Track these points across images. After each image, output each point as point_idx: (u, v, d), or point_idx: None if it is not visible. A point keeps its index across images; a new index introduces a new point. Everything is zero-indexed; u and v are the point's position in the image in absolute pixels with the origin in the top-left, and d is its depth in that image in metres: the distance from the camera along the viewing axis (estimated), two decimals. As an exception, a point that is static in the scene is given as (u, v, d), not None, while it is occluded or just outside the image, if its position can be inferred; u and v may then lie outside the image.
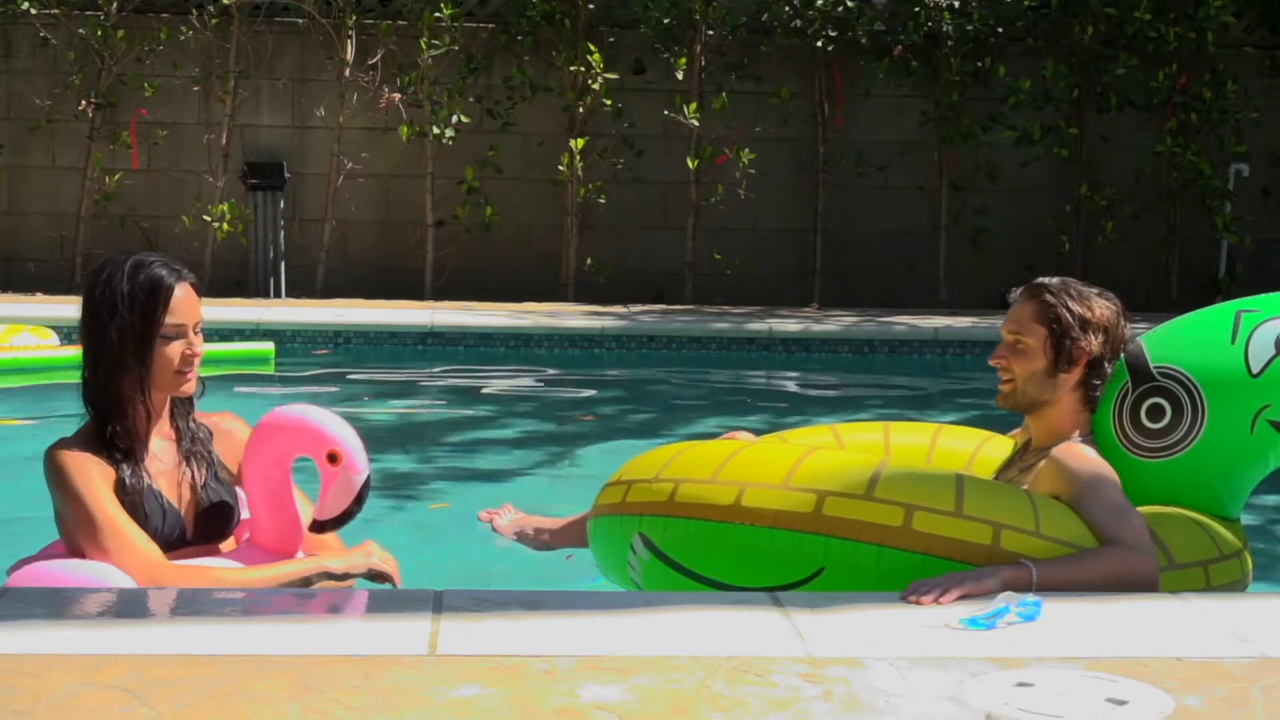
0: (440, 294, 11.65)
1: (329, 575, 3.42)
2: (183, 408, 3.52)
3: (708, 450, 3.79)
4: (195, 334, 3.41)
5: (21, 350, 8.54)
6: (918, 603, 3.20)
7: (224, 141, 11.61)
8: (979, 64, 11.81)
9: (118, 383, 3.37)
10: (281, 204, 11.63)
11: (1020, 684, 2.74)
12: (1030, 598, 3.14)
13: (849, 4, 11.64)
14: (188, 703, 2.57)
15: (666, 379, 9.40)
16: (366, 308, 10.65)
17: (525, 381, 9.04)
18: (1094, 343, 3.79)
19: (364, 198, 11.89)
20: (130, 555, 3.27)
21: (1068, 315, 3.78)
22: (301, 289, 11.61)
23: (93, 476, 3.32)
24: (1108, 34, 11.78)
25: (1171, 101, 11.84)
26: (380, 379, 8.98)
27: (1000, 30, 11.84)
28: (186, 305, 3.39)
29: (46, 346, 8.65)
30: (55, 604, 3.12)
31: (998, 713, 2.60)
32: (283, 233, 11.64)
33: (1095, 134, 12.09)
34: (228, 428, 3.62)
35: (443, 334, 10.05)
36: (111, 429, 3.37)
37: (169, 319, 3.36)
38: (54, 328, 8.97)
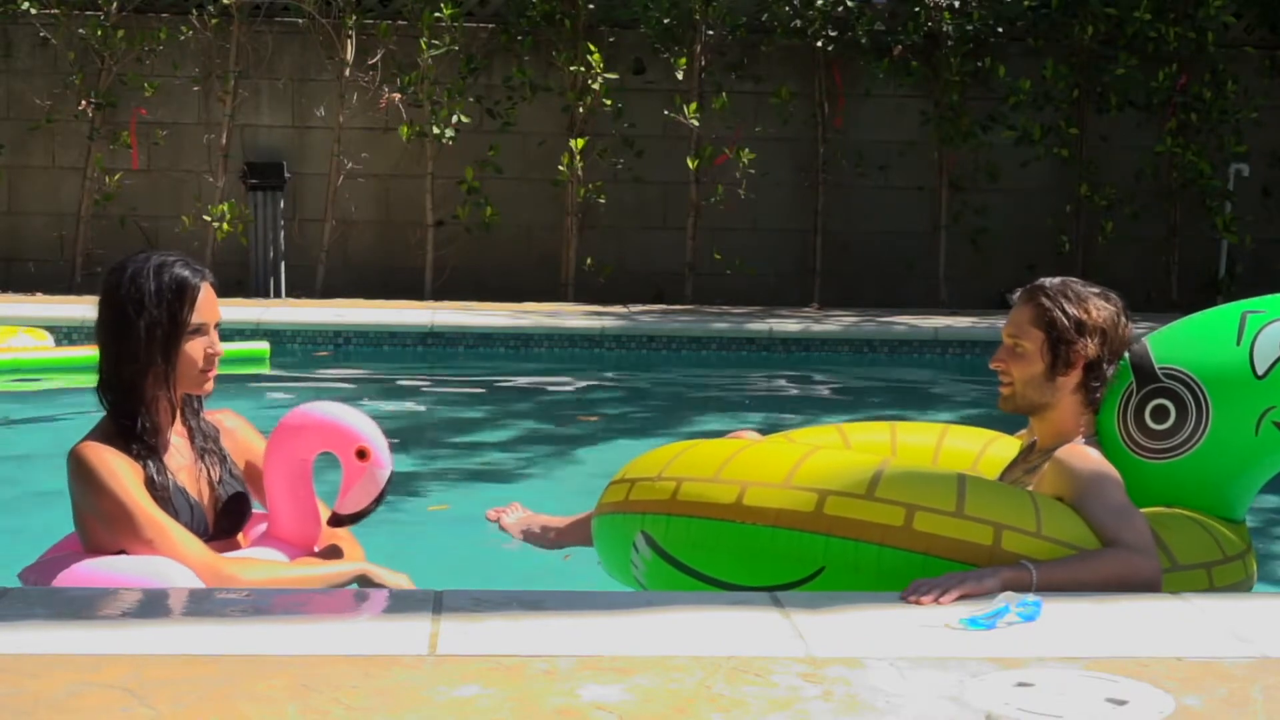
0: (440, 294, 11.65)
1: (369, 582, 3.48)
2: (192, 406, 3.56)
3: (710, 449, 3.80)
4: (214, 332, 3.45)
5: (18, 352, 8.52)
6: (918, 602, 3.20)
7: (224, 141, 11.60)
8: (979, 64, 11.80)
9: (143, 380, 3.40)
10: (281, 204, 11.63)
11: (1020, 684, 2.73)
12: (1030, 598, 3.13)
13: (849, 4, 11.63)
14: (188, 703, 2.57)
15: (666, 379, 9.39)
16: (366, 308, 10.64)
17: (525, 382, 9.03)
18: (1091, 346, 3.78)
19: (364, 198, 11.89)
20: (184, 551, 3.29)
21: (1063, 319, 3.76)
22: (301, 289, 11.61)
23: (126, 474, 3.34)
24: (1108, 34, 11.78)
25: (1171, 101, 11.83)
26: (380, 379, 8.97)
27: (1000, 30, 11.84)
28: (209, 304, 3.47)
29: (43, 348, 8.63)
30: (55, 604, 3.12)
31: (998, 713, 2.60)
32: (283, 233, 11.63)
33: (1095, 134, 12.08)
34: (230, 425, 3.68)
35: (443, 334, 10.04)
36: (141, 425, 3.39)
37: (194, 317, 3.41)
38: (53, 328, 8.95)
